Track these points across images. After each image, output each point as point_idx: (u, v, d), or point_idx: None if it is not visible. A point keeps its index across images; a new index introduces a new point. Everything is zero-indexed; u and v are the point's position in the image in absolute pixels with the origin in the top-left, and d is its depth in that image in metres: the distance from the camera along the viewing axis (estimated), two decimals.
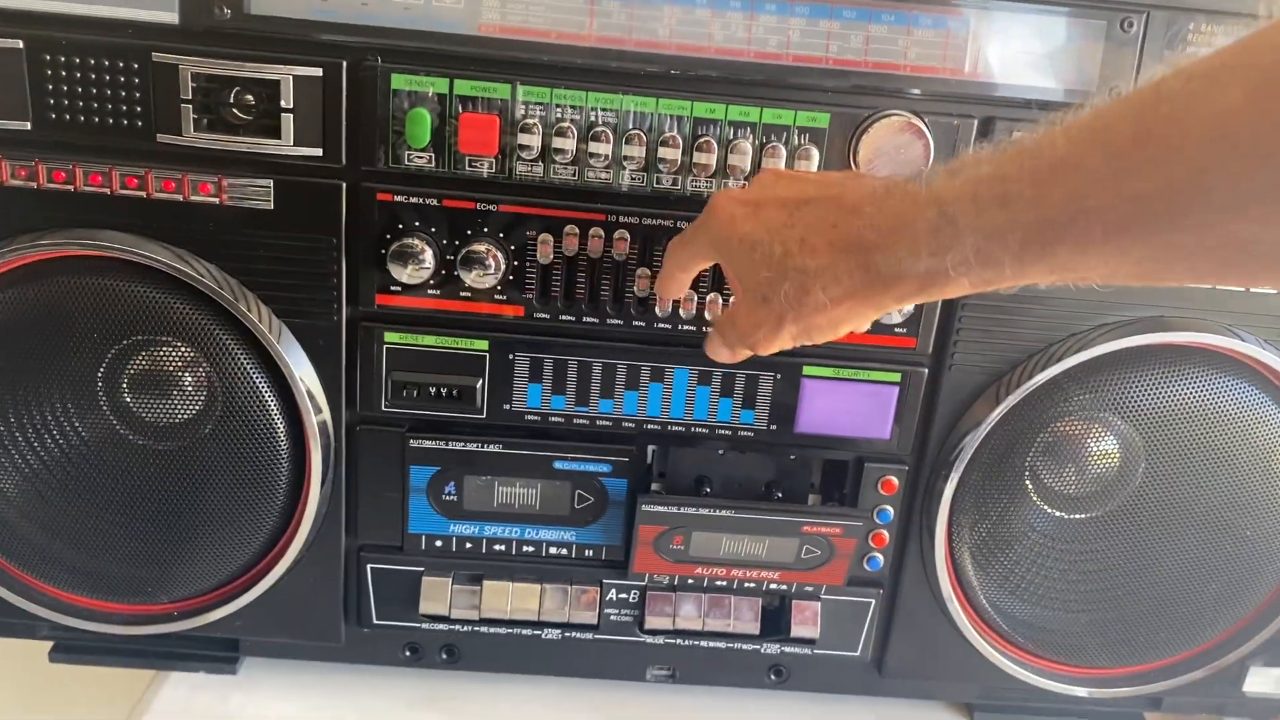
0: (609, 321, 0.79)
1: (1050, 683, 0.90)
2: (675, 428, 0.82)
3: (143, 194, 0.74)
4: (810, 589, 0.87)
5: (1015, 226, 0.50)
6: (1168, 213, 0.45)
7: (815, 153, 0.74)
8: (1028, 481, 0.83)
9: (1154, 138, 0.45)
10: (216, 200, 0.75)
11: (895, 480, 0.84)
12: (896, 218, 0.54)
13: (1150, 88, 0.46)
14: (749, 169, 0.74)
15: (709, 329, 0.75)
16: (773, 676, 0.92)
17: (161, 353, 0.78)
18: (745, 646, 0.89)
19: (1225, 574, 0.85)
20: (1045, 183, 0.49)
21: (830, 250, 0.57)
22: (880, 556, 0.86)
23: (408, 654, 0.90)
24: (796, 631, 0.87)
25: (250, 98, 0.72)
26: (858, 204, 0.57)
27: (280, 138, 0.73)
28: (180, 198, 0.74)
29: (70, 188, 0.74)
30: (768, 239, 0.60)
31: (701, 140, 0.74)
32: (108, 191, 0.74)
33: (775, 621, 0.88)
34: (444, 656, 0.90)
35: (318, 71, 0.72)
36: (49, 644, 0.89)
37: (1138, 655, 0.89)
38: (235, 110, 0.73)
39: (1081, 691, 0.91)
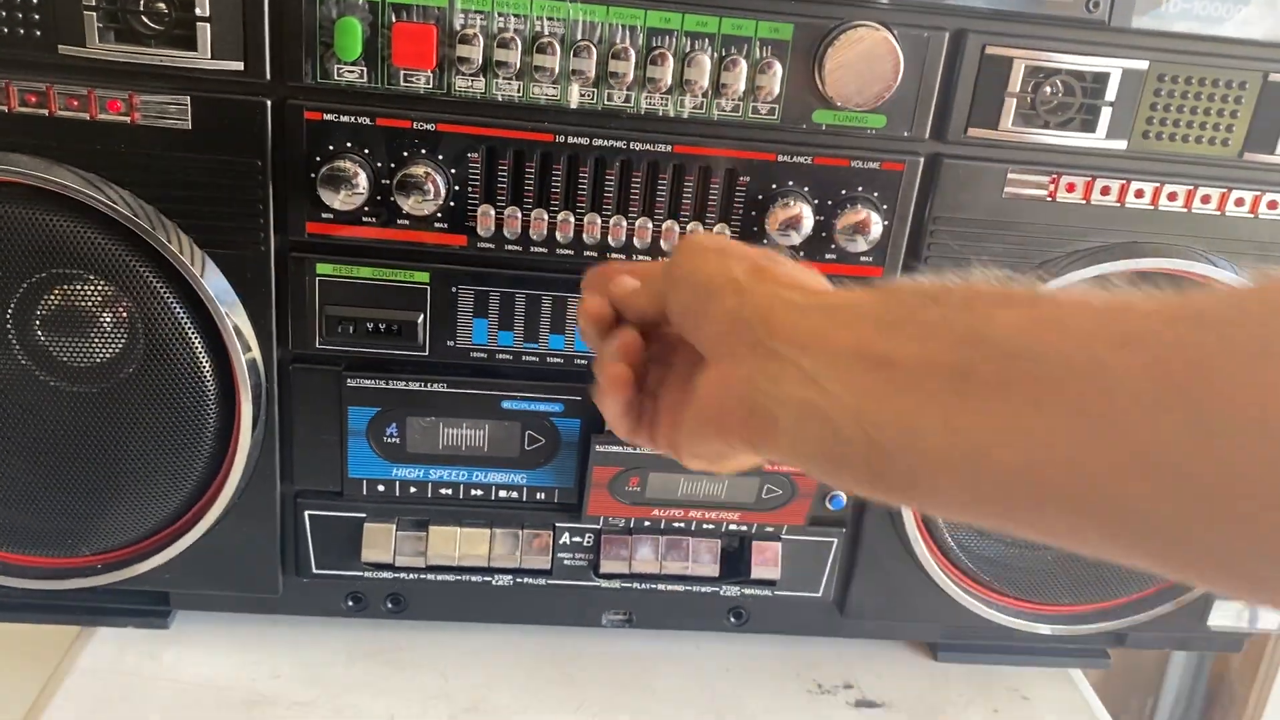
0: (559, 251, 0.74)
1: (1015, 620, 0.88)
2: None
3: (44, 112, 0.68)
4: (771, 529, 0.84)
5: None
6: None
7: (778, 66, 0.69)
8: None
9: None
10: (127, 119, 0.68)
11: None
12: None
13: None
14: (706, 84, 0.69)
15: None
16: (732, 619, 0.89)
17: (76, 288, 0.72)
18: (704, 589, 0.86)
19: None
20: None
21: None
22: (843, 495, 0.83)
23: (350, 604, 0.86)
24: (757, 573, 0.84)
25: (162, 4, 0.66)
26: None
27: (196, 50, 0.67)
28: (87, 116, 0.68)
29: None
30: None
31: (656, 53, 0.68)
32: (5, 109, 0.67)
33: (735, 563, 0.85)
34: (389, 606, 0.86)
35: None
36: None
37: (1104, 591, 0.87)
38: (145, 18, 0.66)
39: (1045, 629, 0.89)
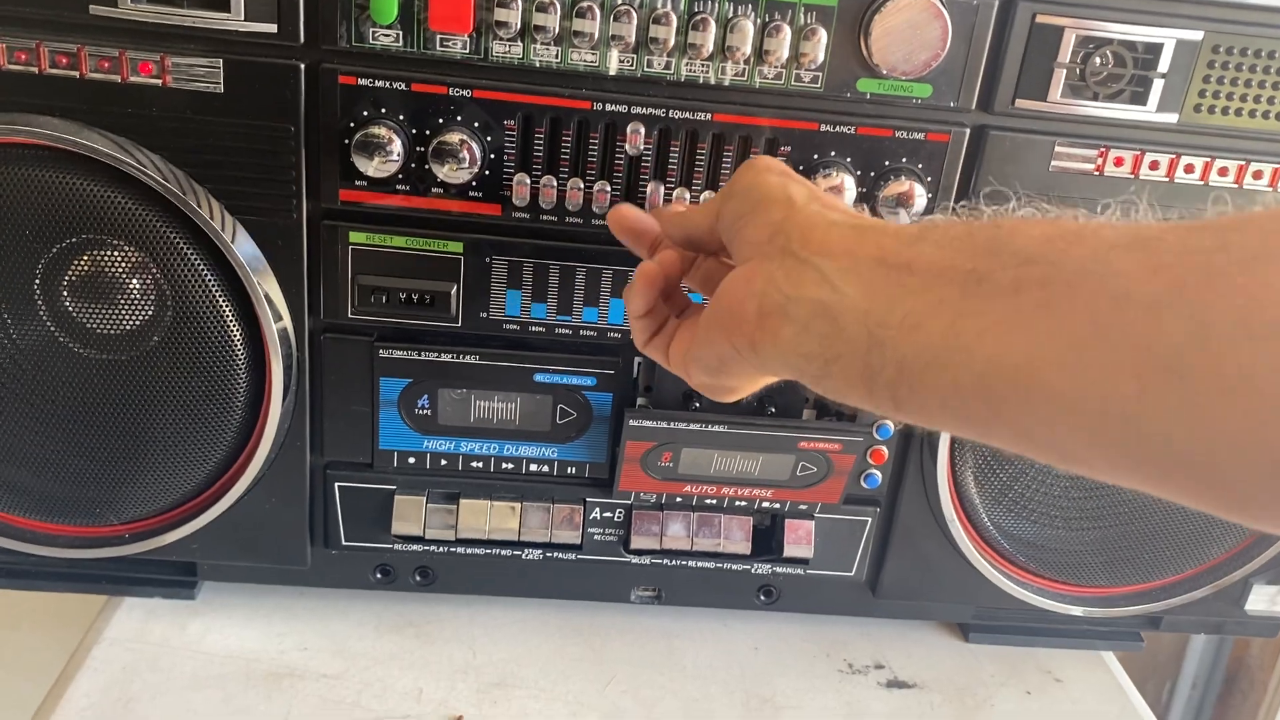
0: (594, 222, 0.73)
1: (1049, 602, 0.87)
2: None
3: (75, 74, 0.66)
4: (804, 507, 0.82)
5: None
6: None
7: (823, 33, 0.67)
8: None
9: None
10: (159, 82, 0.67)
11: None
12: None
13: None
14: (749, 51, 0.67)
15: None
16: (762, 597, 0.88)
17: (105, 254, 0.71)
18: (735, 567, 0.85)
19: None
20: None
21: None
22: (878, 474, 0.82)
23: (379, 576, 0.85)
24: (789, 551, 0.83)
25: None
26: None
27: (229, 11, 0.66)
28: (118, 78, 0.67)
29: None
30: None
31: (697, 18, 0.67)
32: (35, 70, 0.66)
33: (767, 541, 0.84)
34: (418, 579, 0.85)
35: None
36: None
37: (1141, 574, 0.86)
38: None
39: (1078, 610, 0.88)
